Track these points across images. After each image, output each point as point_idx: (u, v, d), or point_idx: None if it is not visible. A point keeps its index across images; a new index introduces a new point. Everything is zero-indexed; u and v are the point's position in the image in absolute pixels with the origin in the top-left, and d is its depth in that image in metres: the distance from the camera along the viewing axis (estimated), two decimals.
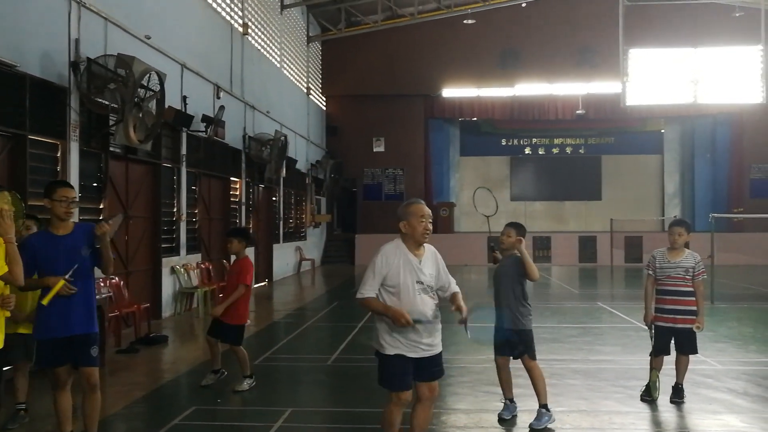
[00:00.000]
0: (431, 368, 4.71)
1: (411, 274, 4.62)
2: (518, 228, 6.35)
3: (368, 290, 4.62)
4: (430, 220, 4.73)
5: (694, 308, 6.74)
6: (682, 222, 7.03)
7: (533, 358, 6.33)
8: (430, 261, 4.76)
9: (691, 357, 6.95)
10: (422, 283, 4.64)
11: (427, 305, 4.64)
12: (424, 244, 4.77)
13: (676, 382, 6.90)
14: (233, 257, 7.81)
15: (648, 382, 6.96)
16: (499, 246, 6.48)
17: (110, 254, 5.19)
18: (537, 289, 18.40)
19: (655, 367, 6.93)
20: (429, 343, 4.65)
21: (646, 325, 7.01)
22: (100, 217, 10.43)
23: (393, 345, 4.61)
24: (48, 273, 4.96)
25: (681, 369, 6.88)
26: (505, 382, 6.52)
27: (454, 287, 4.90)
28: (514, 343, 6.36)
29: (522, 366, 6.37)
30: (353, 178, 28.93)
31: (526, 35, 27.92)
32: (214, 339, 7.60)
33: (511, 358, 6.43)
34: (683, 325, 6.75)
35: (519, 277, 6.30)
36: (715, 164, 29.98)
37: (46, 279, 4.96)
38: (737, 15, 25.18)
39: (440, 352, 4.76)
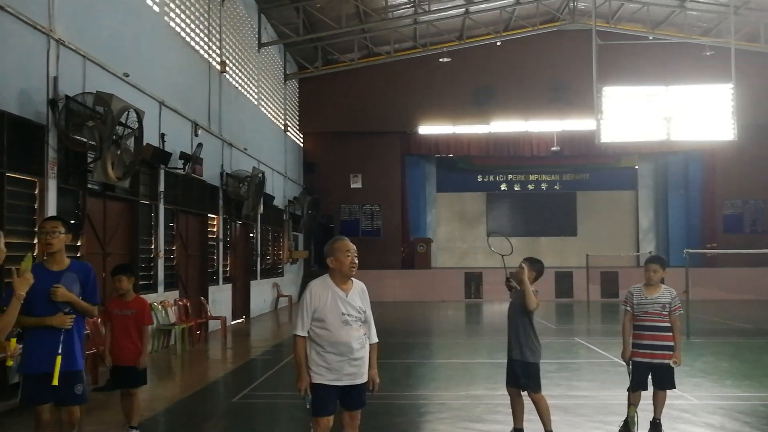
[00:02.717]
0: (353, 397, 4.90)
1: (338, 308, 4.83)
2: (533, 263, 6.56)
3: (299, 329, 4.87)
4: (356, 255, 4.93)
5: (671, 343, 6.82)
6: (657, 258, 7.14)
7: (537, 391, 6.44)
8: (357, 295, 4.95)
9: (669, 392, 7.01)
10: (350, 315, 4.85)
11: (353, 337, 4.83)
12: (353, 280, 4.99)
13: (654, 417, 6.94)
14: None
15: (626, 418, 6.99)
16: (515, 278, 6.67)
17: (83, 305, 5.24)
18: None
19: (633, 402, 6.97)
20: (351, 373, 4.83)
21: (624, 360, 7.07)
22: (78, 254, 10.36)
23: (318, 373, 4.82)
24: (37, 306, 4.97)
25: (658, 404, 6.93)
26: (515, 412, 6.65)
27: (373, 336, 5.07)
28: (518, 375, 6.50)
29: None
30: (330, 215, 28.97)
31: (501, 73, 28.38)
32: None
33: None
34: (661, 360, 6.82)
35: (524, 311, 6.45)
36: (688, 200, 30.48)
37: (47, 319, 4.98)
38: (708, 54, 25.87)
39: (364, 383, 4.93)
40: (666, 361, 6.81)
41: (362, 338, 4.90)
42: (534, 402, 6.48)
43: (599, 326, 19.05)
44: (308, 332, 4.86)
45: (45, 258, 5.24)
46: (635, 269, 25.53)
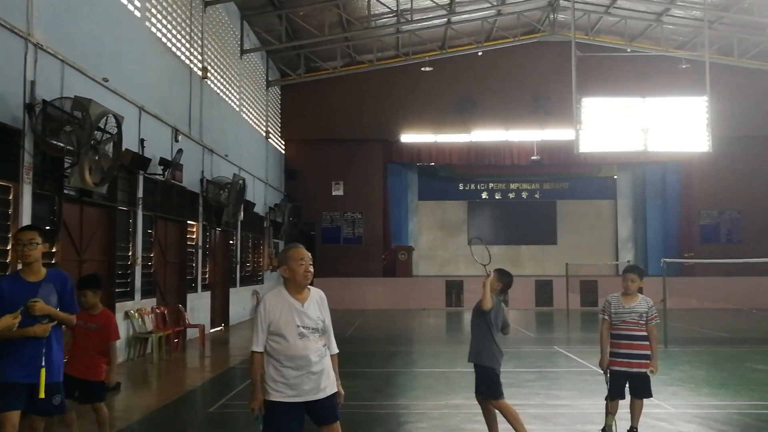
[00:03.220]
0: (321, 412, 4.63)
1: (293, 319, 4.58)
2: (502, 274, 6.62)
3: (255, 344, 4.63)
4: (311, 263, 4.69)
5: (648, 352, 6.87)
6: (635, 268, 7.21)
7: (496, 398, 6.41)
8: (315, 304, 4.70)
9: (646, 400, 7.05)
10: (306, 327, 4.60)
11: (310, 350, 4.57)
12: (311, 288, 4.74)
13: (631, 426, 6.98)
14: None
15: (604, 426, 7.02)
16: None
17: (62, 316, 5.21)
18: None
19: (611, 411, 7.01)
20: (312, 388, 4.57)
21: (602, 369, 7.11)
22: (53, 261, 10.24)
23: (276, 389, 4.56)
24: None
25: (635, 413, 6.97)
26: (487, 421, 6.61)
27: (333, 347, 4.83)
28: (477, 381, 6.50)
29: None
30: (312, 222, 28.90)
31: (482, 83, 28.51)
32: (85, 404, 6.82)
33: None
34: (638, 369, 6.86)
35: (482, 314, 6.47)
36: (666, 210, 30.79)
37: (29, 329, 4.92)
38: (684, 67, 26.18)
39: (331, 395, 4.67)
40: (643, 370, 6.85)
41: (321, 350, 4.65)
42: (498, 410, 6.45)
43: (578, 335, 19.13)
44: (265, 347, 4.61)
45: (20, 268, 5.16)
46: (614, 278, 25.68)
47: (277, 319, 4.58)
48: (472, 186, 32.93)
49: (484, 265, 6.80)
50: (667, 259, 16.06)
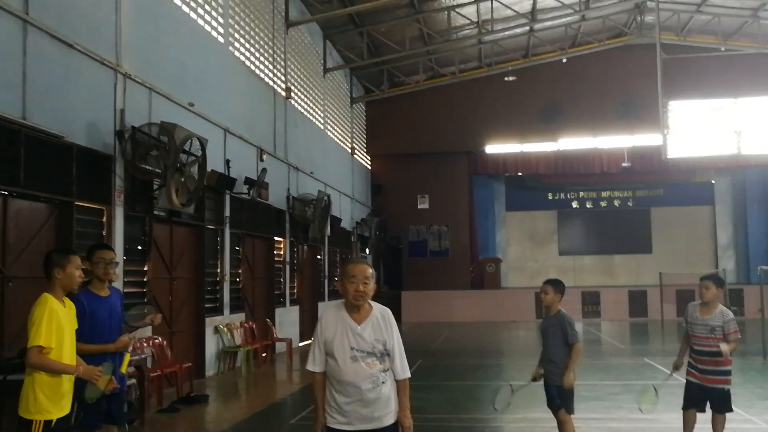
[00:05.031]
0: None
1: (347, 340, 4.19)
2: (555, 284, 6.54)
3: (312, 364, 4.29)
4: (366, 281, 4.19)
5: (725, 368, 6.61)
6: (710, 276, 6.90)
7: (570, 412, 6.41)
8: (374, 325, 4.24)
9: (735, 415, 6.80)
10: (360, 350, 4.17)
11: (361, 376, 4.14)
12: (372, 305, 4.30)
13: None
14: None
15: None
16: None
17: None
18: (583, 345, 18.07)
19: (686, 421, 6.81)
20: (366, 416, 4.17)
21: (671, 370, 7.04)
22: (144, 279, 10.78)
23: (330, 415, 4.24)
24: (98, 332, 5.23)
25: (716, 428, 6.73)
26: None
27: (400, 372, 4.31)
28: (553, 397, 6.49)
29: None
30: (398, 236, 29.09)
31: (568, 90, 28.06)
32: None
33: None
34: (712, 385, 6.63)
35: (563, 335, 6.48)
36: None
37: (111, 346, 5.31)
38: None
39: (389, 425, 4.22)
40: (718, 386, 6.61)
41: (377, 376, 4.17)
42: (561, 423, 6.54)
43: (671, 346, 18.35)
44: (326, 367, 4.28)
45: (91, 283, 5.48)
46: None
47: (331, 339, 4.22)
48: (562, 195, 32.33)
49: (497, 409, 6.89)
50: (765, 267, 15.30)
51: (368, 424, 4.17)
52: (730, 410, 6.74)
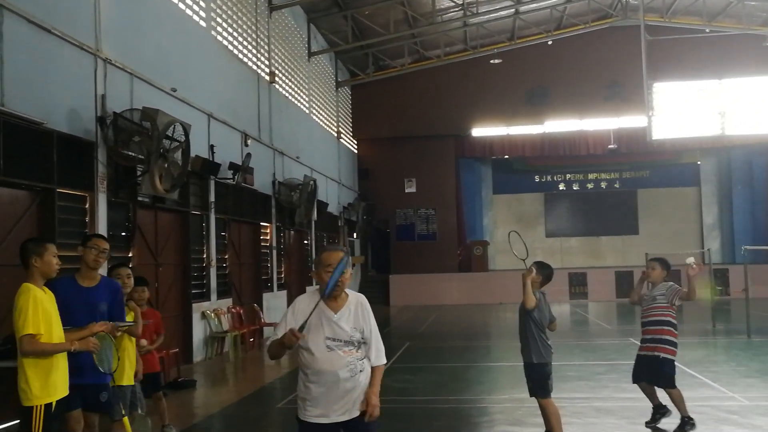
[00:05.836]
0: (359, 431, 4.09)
1: (321, 331, 4.02)
2: (541, 266, 6.52)
3: (274, 336, 4.08)
4: (343, 270, 4.02)
5: (667, 337, 6.92)
6: (657, 258, 7.42)
7: (542, 396, 6.34)
8: (350, 314, 4.10)
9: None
10: (336, 339, 4.02)
11: (338, 364, 3.98)
12: (350, 294, 4.16)
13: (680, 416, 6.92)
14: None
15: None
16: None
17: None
18: (569, 326, 18.20)
19: (645, 393, 7.19)
20: (343, 407, 4.02)
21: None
22: (130, 265, 10.70)
23: (302, 407, 4.08)
24: (70, 321, 5.12)
25: (675, 405, 6.91)
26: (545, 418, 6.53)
27: (375, 358, 4.17)
28: (526, 379, 6.46)
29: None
30: (386, 219, 29.12)
31: (553, 72, 28.07)
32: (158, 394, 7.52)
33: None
34: (653, 353, 6.95)
35: (526, 312, 6.41)
36: (753, 195, 29.48)
37: (91, 326, 5.07)
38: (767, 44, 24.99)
39: (363, 412, 4.07)
40: (659, 354, 6.89)
41: (354, 363, 4.03)
42: (542, 408, 6.36)
43: None
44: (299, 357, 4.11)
45: (79, 271, 5.41)
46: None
47: (306, 326, 3.97)
48: (548, 178, 32.39)
49: (523, 260, 6.66)
50: (749, 246, 15.44)
51: (344, 416, 4.03)
52: (671, 386, 6.85)
